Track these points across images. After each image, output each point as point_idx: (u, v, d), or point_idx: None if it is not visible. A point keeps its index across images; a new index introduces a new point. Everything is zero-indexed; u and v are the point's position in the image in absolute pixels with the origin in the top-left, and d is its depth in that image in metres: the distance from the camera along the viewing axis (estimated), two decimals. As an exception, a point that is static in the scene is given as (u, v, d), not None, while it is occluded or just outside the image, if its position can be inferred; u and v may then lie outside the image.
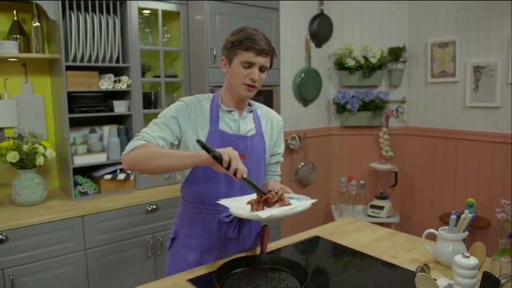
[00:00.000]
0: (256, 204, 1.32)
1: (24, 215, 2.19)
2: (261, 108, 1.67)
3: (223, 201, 1.39)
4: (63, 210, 2.26)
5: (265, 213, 1.26)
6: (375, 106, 3.70)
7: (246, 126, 1.56)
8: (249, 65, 1.44)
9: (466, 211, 1.44)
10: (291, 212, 1.31)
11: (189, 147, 1.48)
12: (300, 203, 1.38)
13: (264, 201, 1.32)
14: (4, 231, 2.03)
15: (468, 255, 1.14)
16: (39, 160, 2.33)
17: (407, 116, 3.80)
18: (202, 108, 1.52)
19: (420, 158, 3.73)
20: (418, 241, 1.70)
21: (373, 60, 3.63)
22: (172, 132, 1.46)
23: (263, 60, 1.45)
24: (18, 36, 2.44)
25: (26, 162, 2.31)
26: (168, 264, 1.64)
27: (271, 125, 1.65)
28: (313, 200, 1.40)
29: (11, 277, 2.04)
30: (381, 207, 3.57)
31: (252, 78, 1.45)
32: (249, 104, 1.62)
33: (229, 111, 1.53)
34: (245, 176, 1.27)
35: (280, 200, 1.36)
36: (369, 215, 3.57)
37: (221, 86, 2.69)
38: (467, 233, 1.44)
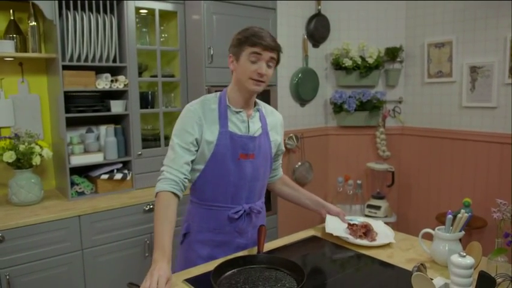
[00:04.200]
0: (354, 232, 1.72)
1: (21, 215, 2.18)
2: (265, 107, 1.72)
3: (329, 218, 1.82)
4: (60, 210, 2.26)
5: (365, 243, 1.66)
6: (371, 106, 3.71)
7: (254, 126, 1.61)
8: (256, 59, 1.48)
9: (463, 211, 1.44)
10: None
11: (210, 141, 1.52)
12: (386, 236, 1.74)
13: (364, 234, 1.71)
14: (0, 231, 2.02)
15: (464, 254, 1.14)
16: (36, 160, 2.32)
17: (404, 116, 3.81)
18: (211, 109, 1.56)
19: (417, 157, 3.74)
20: (415, 241, 1.70)
21: (370, 60, 3.64)
22: (188, 150, 1.52)
23: (270, 55, 1.49)
24: (14, 35, 2.44)
25: (22, 162, 2.31)
26: (179, 258, 1.69)
27: (275, 123, 1.71)
28: (392, 239, 1.71)
29: (8, 277, 2.04)
30: (378, 207, 3.58)
31: (259, 73, 1.48)
32: (255, 103, 1.66)
33: (237, 112, 1.57)
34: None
35: (369, 231, 1.73)
36: (366, 215, 3.57)
37: (218, 86, 2.69)
38: (463, 232, 1.45)
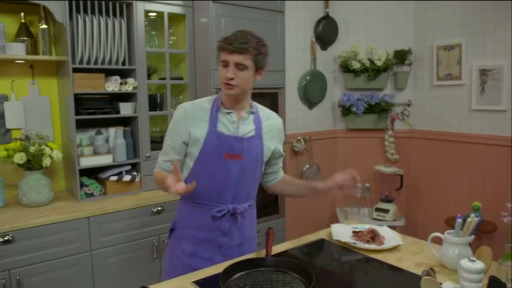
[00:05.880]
0: (360, 238, 1.72)
1: (31, 215, 2.21)
2: (262, 110, 1.72)
3: (335, 225, 1.86)
4: (69, 211, 2.27)
5: (374, 247, 1.66)
6: (380, 109, 3.69)
7: (245, 127, 1.62)
8: (225, 64, 1.51)
9: (472, 215, 1.43)
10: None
11: (199, 139, 1.58)
12: (393, 239, 1.73)
13: (372, 238, 1.70)
14: (11, 232, 2.05)
15: (474, 259, 1.13)
16: (46, 161, 2.34)
17: (413, 119, 3.79)
18: (203, 109, 1.62)
19: (426, 161, 3.72)
20: (424, 245, 1.69)
21: (379, 63, 3.62)
22: (174, 148, 1.62)
23: (237, 58, 1.49)
24: (25, 38, 2.46)
25: (32, 164, 2.33)
26: (167, 251, 1.79)
27: (272, 126, 1.71)
28: (400, 241, 1.72)
29: (17, 277, 2.06)
30: (386, 211, 3.56)
31: (226, 77, 1.51)
32: (251, 106, 1.67)
33: (228, 113, 1.60)
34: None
35: (376, 235, 1.73)
36: (374, 218, 3.55)
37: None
38: (473, 236, 1.44)
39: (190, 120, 1.59)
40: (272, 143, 1.70)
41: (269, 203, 3.11)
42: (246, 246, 1.71)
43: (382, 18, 3.77)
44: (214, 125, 1.58)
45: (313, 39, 3.70)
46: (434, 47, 3.54)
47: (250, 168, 1.64)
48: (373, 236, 1.71)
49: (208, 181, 1.59)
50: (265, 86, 2.95)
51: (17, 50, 2.37)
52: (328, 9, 3.74)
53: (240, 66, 1.50)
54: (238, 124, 1.61)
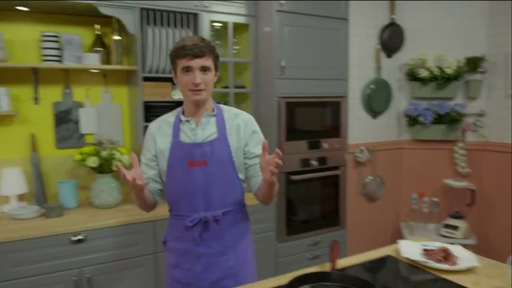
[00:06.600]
0: (431, 256, 1.62)
1: (101, 216, 2.32)
2: (228, 112, 1.69)
3: (403, 242, 1.76)
4: (136, 214, 2.35)
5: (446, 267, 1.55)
6: (450, 119, 3.49)
7: (205, 132, 1.60)
8: (188, 70, 1.51)
9: None
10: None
11: (165, 154, 1.61)
12: (468, 260, 1.61)
13: (444, 258, 1.60)
14: (83, 232, 2.16)
15: None
16: (116, 165, 2.46)
17: (486, 130, 3.54)
18: (168, 123, 1.65)
19: (501, 175, 3.44)
20: (501, 267, 1.56)
21: (449, 71, 3.44)
22: (148, 165, 1.67)
23: (200, 62, 1.50)
24: (100, 49, 2.62)
25: (104, 167, 2.46)
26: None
27: (238, 126, 1.65)
28: (476, 262, 1.58)
29: (88, 275, 2.17)
30: (456, 227, 3.34)
31: (193, 83, 1.51)
32: (213, 109, 1.65)
33: (187, 121, 1.61)
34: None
35: (449, 255, 1.62)
36: (442, 235, 3.35)
37: (289, 97, 2.69)
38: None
39: (157, 136, 1.64)
40: (240, 143, 1.63)
41: (328, 214, 3.04)
42: (229, 255, 1.63)
43: (451, 24, 3.57)
44: (176, 136, 1.60)
45: (378, 46, 3.59)
46: (510, 53, 3.29)
47: (218, 173, 1.59)
48: (446, 255, 1.61)
49: (179, 191, 1.60)
50: (326, 94, 2.90)
51: (93, 60, 2.53)
52: (394, 16, 3.62)
53: (204, 69, 1.52)
54: (197, 130, 1.59)
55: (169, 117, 1.67)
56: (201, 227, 1.58)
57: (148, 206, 1.68)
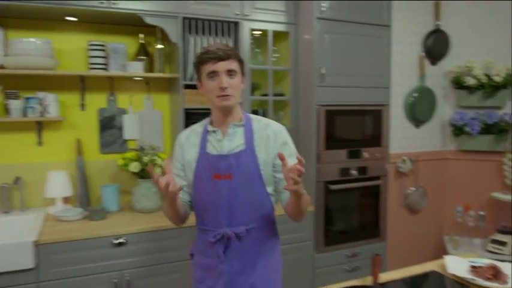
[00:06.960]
0: (480, 274, 1.54)
1: (142, 220, 2.37)
2: (257, 121, 1.61)
3: (449, 257, 1.68)
4: (175, 219, 2.38)
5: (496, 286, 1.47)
6: (498, 129, 3.33)
7: (231, 143, 1.54)
8: (214, 75, 1.47)
9: None
10: None
11: (192, 165, 1.57)
12: None
13: (493, 275, 1.53)
14: (124, 235, 2.21)
15: None
16: (157, 171, 2.50)
17: (539, 142, 3.34)
18: (196, 133, 1.61)
19: (555, 190, 3.24)
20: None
21: (497, 79, 3.28)
22: (178, 175, 1.61)
23: (225, 65, 1.46)
24: (143, 57, 2.69)
25: (145, 172, 2.51)
26: None
27: (267, 137, 1.56)
28: None
29: (128, 278, 2.21)
30: (504, 243, 3.16)
31: (220, 87, 1.46)
32: (241, 119, 1.58)
33: (213, 131, 1.57)
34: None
35: (499, 273, 1.55)
36: (489, 251, 3.18)
37: (329, 105, 2.65)
38: None
39: (185, 146, 1.61)
40: (269, 156, 1.54)
41: (367, 225, 2.96)
42: (250, 274, 1.54)
43: (499, 30, 3.41)
44: (203, 147, 1.56)
45: (422, 53, 3.48)
46: None
47: (244, 187, 1.50)
48: (496, 273, 1.52)
49: (204, 205, 1.56)
50: (367, 102, 2.83)
51: (136, 68, 2.60)
52: (439, 22, 3.50)
53: (230, 73, 1.48)
54: (223, 141, 1.54)
55: (198, 128, 1.63)
56: (223, 244, 1.53)
57: (180, 217, 1.60)
